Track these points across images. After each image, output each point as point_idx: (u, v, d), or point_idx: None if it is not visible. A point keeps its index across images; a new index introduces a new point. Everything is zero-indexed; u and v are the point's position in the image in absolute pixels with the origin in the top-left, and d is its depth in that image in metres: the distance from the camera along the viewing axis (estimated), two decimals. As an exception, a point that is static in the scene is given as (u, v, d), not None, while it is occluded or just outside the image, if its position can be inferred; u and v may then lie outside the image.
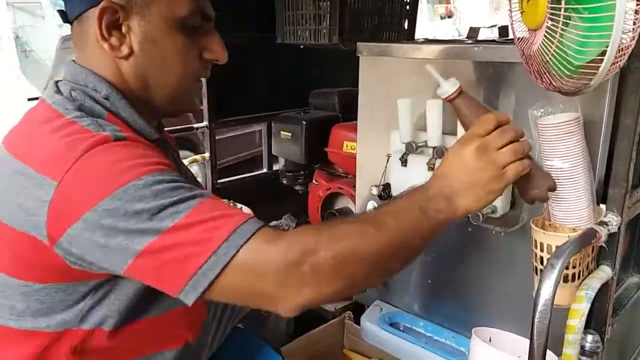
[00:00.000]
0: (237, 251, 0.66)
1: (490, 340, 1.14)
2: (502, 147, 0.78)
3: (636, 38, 0.76)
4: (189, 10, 0.81)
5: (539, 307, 0.79)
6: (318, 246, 0.68)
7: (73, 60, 0.86)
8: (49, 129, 0.75)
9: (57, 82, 0.85)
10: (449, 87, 0.90)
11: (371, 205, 1.08)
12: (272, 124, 1.97)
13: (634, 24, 0.74)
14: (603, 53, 0.76)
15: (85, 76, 0.82)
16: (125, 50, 0.81)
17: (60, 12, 0.84)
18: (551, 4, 0.76)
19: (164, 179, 0.70)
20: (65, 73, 0.85)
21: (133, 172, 0.69)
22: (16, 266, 0.76)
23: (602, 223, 0.94)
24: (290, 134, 1.85)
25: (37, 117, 0.80)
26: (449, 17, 15.80)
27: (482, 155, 0.78)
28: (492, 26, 1.43)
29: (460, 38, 1.42)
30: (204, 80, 2.00)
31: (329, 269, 0.68)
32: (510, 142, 0.79)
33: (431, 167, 1.18)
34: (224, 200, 1.86)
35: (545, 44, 0.79)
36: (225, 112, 2.09)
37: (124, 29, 0.80)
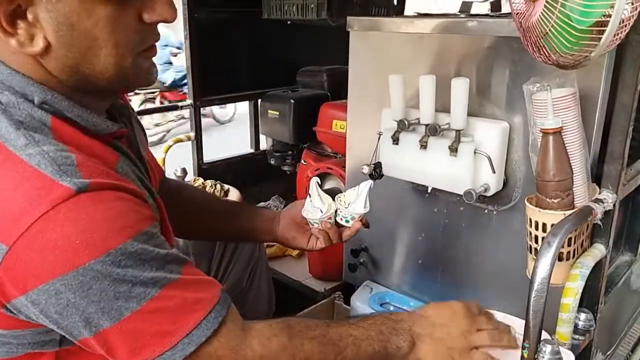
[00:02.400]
0: (196, 348, 0.68)
1: None
2: (482, 331, 0.87)
3: (638, 9, 0.73)
4: None
5: (535, 286, 0.77)
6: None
7: None
8: None
9: None
10: (555, 123, 0.90)
11: (367, 186, 1.06)
12: (260, 103, 1.93)
13: (637, -7, 0.72)
14: (604, 24, 0.74)
15: (8, 77, 0.68)
16: (39, 43, 0.65)
17: None
18: (552, -28, 0.73)
19: (136, 250, 0.64)
20: None
21: (97, 244, 0.61)
22: None
23: (598, 200, 0.93)
24: (278, 113, 1.82)
25: None
26: None
27: (464, 325, 0.87)
28: (485, 0, 1.40)
29: (454, 12, 1.39)
30: (187, 57, 1.96)
31: None
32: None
33: (423, 145, 1.15)
34: (209, 180, 1.84)
35: (545, 14, 0.77)
36: (210, 90, 2.04)
37: (30, 18, 0.64)
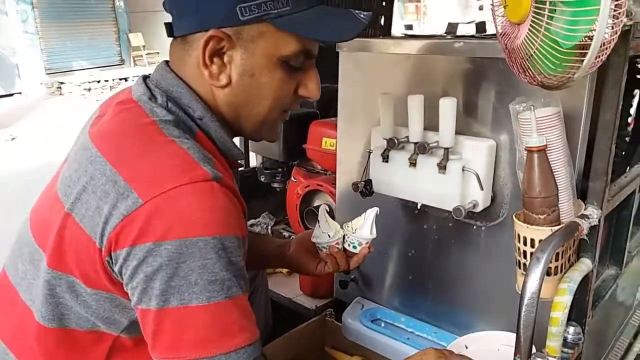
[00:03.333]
0: None
1: (466, 348, 1.14)
2: None
3: (618, 32, 0.77)
4: (294, 51, 0.81)
5: (526, 301, 0.79)
6: None
7: (169, 67, 0.85)
8: (145, 139, 0.76)
9: (145, 80, 0.85)
10: (539, 141, 0.93)
11: (373, 212, 1.10)
12: (249, 121, 1.94)
13: (616, 17, 0.75)
14: (587, 47, 0.77)
15: (180, 90, 0.82)
16: (223, 80, 0.81)
17: (167, 24, 0.83)
18: (536, -2, 0.76)
19: (233, 248, 0.72)
20: (158, 77, 0.84)
21: (215, 226, 0.70)
22: (80, 269, 0.77)
23: (584, 216, 0.95)
24: (267, 131, 1.83)
25: (130, 119, 0.80)
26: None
27: None
28: (470, 22, 1.44)
29: (440, 34, 1.42)
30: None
31: None
32: None
33: (412, 163, 1.17)
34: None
35: (530, 37, 0.80)
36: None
37: (225, 59, 0.80)
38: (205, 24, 0.78)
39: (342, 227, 1.13)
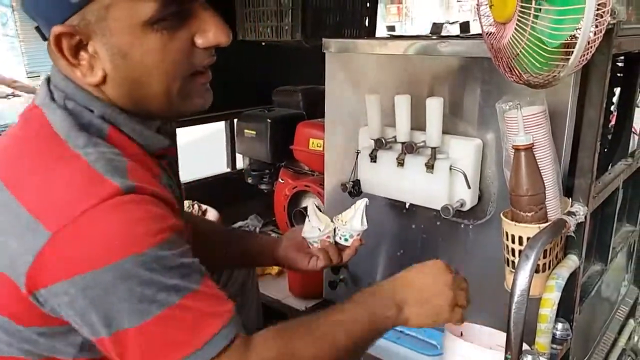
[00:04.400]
0: None
1: (462, 335, 1.15)
2: (462, 291, 0.89)
3: (603, 31, 0.78)
4: (156, 7, 0.67)
5: (516, 298, 0.80)
6: None
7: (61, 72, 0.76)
8: (46, 157, 0.68)
9: (48, 81, 0.76)
10: (526, 139, 0.93)
11: (363, 203, 1.08)
12: (236, 123, 1.93)
13: (601, 16, 0.76)
14: (572, 46, 0.78)
15: (73, 90, 0.74)
16: (99, 73, 0.71)
17: (37, 28, 0.74)
18: (521, -3, 0.77)
19: (165, 255, 0.66)
20: (54, 77, 0.76)
21: (135, 244, 0.64)
22: (8, 310, 0.70)
23: (570, 213, 0.96)
24: (255, 133, 1.82)
25: (31, 134, 0.72)
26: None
27: (446, 284, 0.87)
28: (454, 22, 1.44)
29: (425, 34, 1.43)
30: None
31: None
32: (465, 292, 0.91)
33: (400, 163, 1.18)
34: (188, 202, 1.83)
35: (516, 37, 0.80)
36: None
37: (90, 50, 0.70)
38: (49, 21, 0.69)
39: (332, 221, 1.10)
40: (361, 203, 1.08)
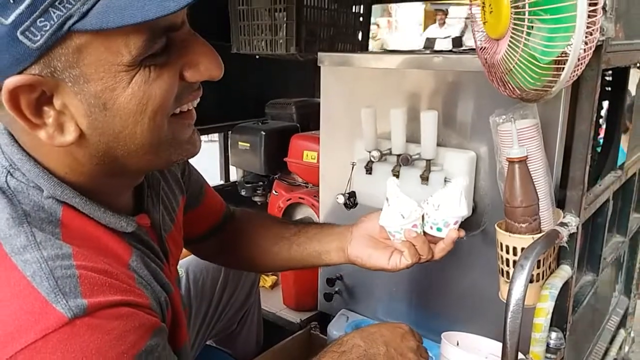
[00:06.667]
0: None
1: (458, 344, 1.17)
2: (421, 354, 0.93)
3: (592, 48, 0.80)
4: (144, 40, 0.55)
5: (511, 307, 0.81)
6: None
7: (9, 132, 0.62)
8: None
9: None
10: (520, 152, 0.92)
11: (461, 183, 0.89)
12: (230, 135, 1.94)
13: (590, 34, 0.78)
14: (563, 62, 0.80)
15: (21, 159, 0.61)
16: (72, 133, 0.58)
17: None
18: (514, 14, 0.79)
19: None
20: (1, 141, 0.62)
21: None
22: None
23: (563, 224, 0.98)
24: (248, 145, 1.83)
25: None
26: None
27: (411, 349, 0.92)
28: (446, 37, 1.47)
29: (419, 49, 1.46)
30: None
31: None
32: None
33: (396, 174, 1.19)
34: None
35: (509, 53, 0.83)
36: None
37: (57, 105, 0.57)
38: (0, 72, 0.54)
39: (420, 205, 0.89)
40: (457, 184, 0.86)
